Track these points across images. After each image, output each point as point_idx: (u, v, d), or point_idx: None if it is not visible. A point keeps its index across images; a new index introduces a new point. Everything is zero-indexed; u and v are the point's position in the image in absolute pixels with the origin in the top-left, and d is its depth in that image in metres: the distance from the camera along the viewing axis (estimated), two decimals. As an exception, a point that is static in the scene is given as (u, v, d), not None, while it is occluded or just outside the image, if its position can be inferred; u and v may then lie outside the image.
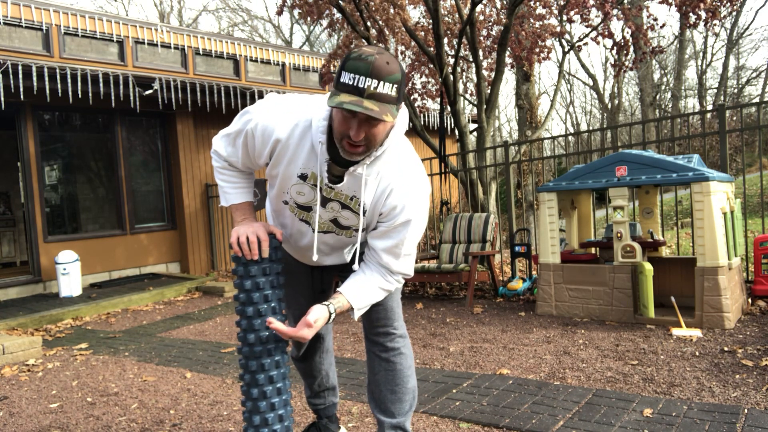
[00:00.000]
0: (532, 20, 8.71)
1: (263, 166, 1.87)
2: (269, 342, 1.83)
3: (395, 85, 1.57)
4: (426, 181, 1.87)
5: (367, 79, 1.52)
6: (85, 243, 7.71)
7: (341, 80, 1.56)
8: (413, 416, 2.74)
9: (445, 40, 8.65)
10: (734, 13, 22.23)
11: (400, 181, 1.80)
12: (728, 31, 24.56)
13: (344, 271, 2.15)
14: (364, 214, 1.83)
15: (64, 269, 6.83)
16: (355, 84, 1.53)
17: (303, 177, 1.79)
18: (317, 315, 1.74)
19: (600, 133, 11.49)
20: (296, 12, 8.84)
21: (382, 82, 1.53)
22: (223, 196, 1.96)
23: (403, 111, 1.78)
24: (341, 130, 1.62)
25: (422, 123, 11.22)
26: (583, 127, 31.38)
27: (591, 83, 27.36)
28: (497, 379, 3.23)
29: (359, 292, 1.84)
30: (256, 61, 10.47)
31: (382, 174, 1.78)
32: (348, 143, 1.62)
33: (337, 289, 1.85)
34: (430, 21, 8.18)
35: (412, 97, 9.78)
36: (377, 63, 1.53)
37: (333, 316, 1.77)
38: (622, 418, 2.55)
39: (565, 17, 8.70)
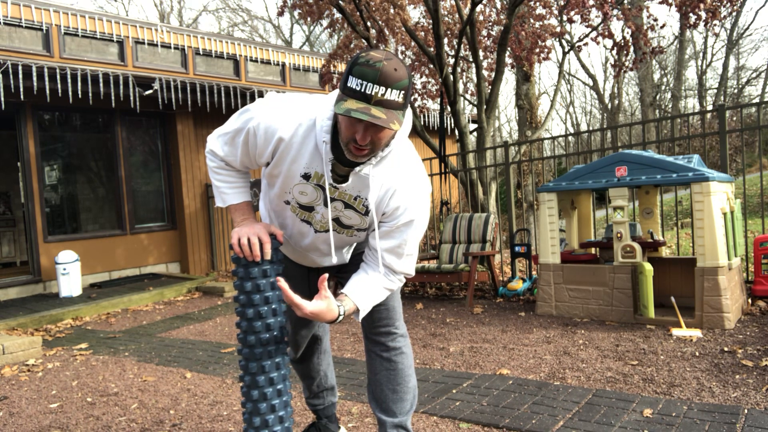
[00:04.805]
0: (532, 20, 8.71)
1: (263, 165, 1.86)
2: (270, 344, 1.83)
3: (402, 92, 1.56)
4: (427, 182, 1.88)
5: (375, 86, 1.52)
6: (85, 243, 7.71)
7: (348, 85, 1.55)
8: (413, 416, 2.74)
9: (445, 40, 8.65)
10: (734, 14, 22.23)
11: (403, 181, 1.80)
12: (728, 32, 24.57)
13: (341, 272, 2.15)
14: (367, 214, 1.83)
15: (64, 269, 6.82)
16: (362, 90, 1.52)
17: (306, 177, 1.78)
18: (330, 298, 1.70)
19: (600, 133, 11.49)
20: (296, 12, 8.82)
21: (389, 89, 1.53)
22: (219, 196, 1.94)
23: (408, 112, 1.78)
24: (348, 134, 1.62)
25: (422, 123, 11.22)
26: (583, 127, 31.40)
27: (591, 83, 27.39)
28: (497, 379, 3.23)
29: (364, 293, 1.83)
30: (256, 61, 10.47)
31: (386, 175, 1.78)
32: (354, 147, 1.63)
33: (341, 291, 1.84)
34: (430, 21, 8.18)
35: (412, 98, 9.78)
36: (385, 70, 1.52)
37: (341, 317, 1.76)
38: (622, 419, 2.55)
39: (565, 17, 8.70)
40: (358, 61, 1.54)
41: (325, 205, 1.83)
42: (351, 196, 1.81)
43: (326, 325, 2.38)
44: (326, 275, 1.70)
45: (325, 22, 8.76)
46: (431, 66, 8.77)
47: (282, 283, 1.69)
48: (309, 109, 1.75)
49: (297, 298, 1.67)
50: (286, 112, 1.75)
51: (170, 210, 8.70)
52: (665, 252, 5.10)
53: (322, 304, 1.69)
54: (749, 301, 4.58)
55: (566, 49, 9.75)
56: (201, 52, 9.67)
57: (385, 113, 1.52)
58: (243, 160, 1.86)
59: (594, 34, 8.42)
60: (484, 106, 7.81)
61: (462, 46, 8.17)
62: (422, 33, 8.95)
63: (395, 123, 1.54)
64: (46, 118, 7.64)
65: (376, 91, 1.52)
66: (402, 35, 8.55)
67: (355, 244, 2.07)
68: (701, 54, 26.26)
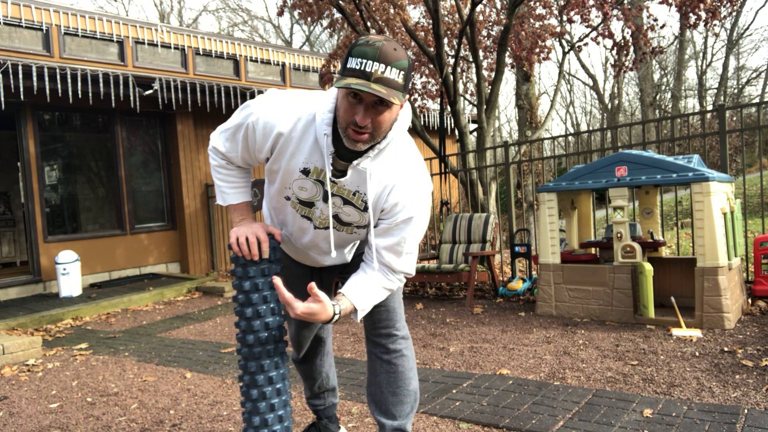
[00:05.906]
0: (532, 20, 8.71)
1: (263, 161, 1.86)
2: (268, 343, 1.82)
3: (402, 72, 1.57)
4: (428, 179, 1.86)
5: (375, 63, 1.53)
6: (85, 243, 7.71)
7: (348, 66, 1.56)
8: (413, 416, 2.73)
9: (445, 40, 8.65)
10: (734, 14, 22.23)
11: (402, 177, 1.78)
12: (728, 32, 24.57)
13: (344, 272, 2.13)
14: (366, 210, 1.81)
15: (64, 269, 6.82)
16: (362, 68, 1.53)
17: (305, 172, 1.78)
18: (325, 301, 1.69)
19: (600, 133, 11.49)
20: (296, 12, 8.83)
21: (389, 67, 1.54)
22: (220, 195, 1.94)
23: (407, 107, 1.78)
24: (347, 116, 1.61)
25: (422, 123, 11.21)
26: (583, 127, 31.39)
27: (591, 83, 27.37)
28: (497, 379, 3.23)
29: (362, 292, 1.81)
30: (256, 61, 10.47)
31: (385, 170, 1.77)
32: (353, 130, 1.62)
33: (339, 291, 1.82)
34: (430, 21, 8.18)
35: (412, 98, 9.78)
36: (385, 48, 1.54)
37: (337, 317, 1.74)
38: (622, 419, 2.55)
39: (565, 17, 8.70)
40: (358, 43, 1.57)
41: (325, 200, 1.82)
42: (350, 192, 1.79)
43: (329, 327, 2.37)
44: (313, 283, 1.69)
45: (325, 22, 8.77)
46: (431, 66, 8.77)
47: (276, 280, 1.69)
48: (308, 104, 1.75)
49: (290, 298, 1.67)
50: (285, 107, 1.75)
51: (170, 210, 8.70)
52: (665, 252, 5.10)
53: (315, 305, 1.68)
54: (749, 301, 4.58)
55: (566, 49, 9.75)
56: (201, 52, 9.67)
57: (385, 90, 1.53)
58: (244, 156, 1.86)
59: (594, 34, 8.42)
60: (484, 106, 7.81)
61: (462, 46, 8.17)
62: (422, 33, 8.95)
63: (395, 98, 1.54)
64: (46, 118, 7.64)
65: (376, 69, 1.53)
66: (402, 35, 8.55)
67: (357, 243, 2.06)
68: (701, 54, 26.27)
